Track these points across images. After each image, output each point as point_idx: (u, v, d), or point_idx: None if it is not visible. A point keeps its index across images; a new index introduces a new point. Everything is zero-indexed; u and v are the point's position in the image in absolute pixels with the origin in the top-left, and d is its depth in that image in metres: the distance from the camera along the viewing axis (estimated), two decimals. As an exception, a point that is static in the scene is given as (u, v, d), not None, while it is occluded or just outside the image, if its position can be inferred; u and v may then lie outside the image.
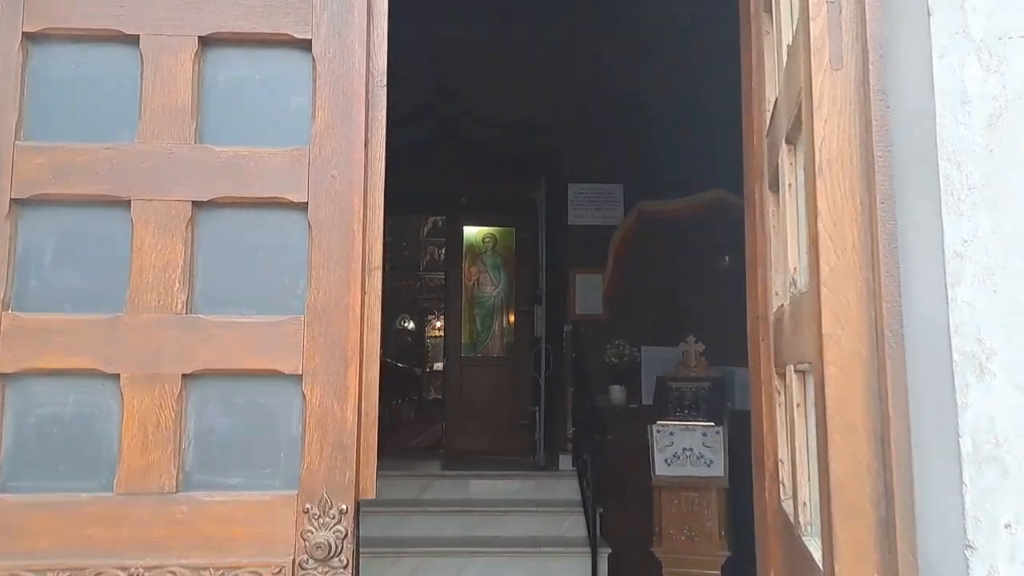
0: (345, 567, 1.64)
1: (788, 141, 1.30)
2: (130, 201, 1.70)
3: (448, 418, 7.46)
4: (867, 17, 1.04)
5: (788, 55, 1.29)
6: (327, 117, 1.78)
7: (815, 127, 1.05)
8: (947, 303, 0.99)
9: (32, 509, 1.58)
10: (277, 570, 1.59)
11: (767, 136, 1.65)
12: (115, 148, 1.72)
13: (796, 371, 1.24)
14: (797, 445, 1.32)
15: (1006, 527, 0.97)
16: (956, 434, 0.99)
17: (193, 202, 1.72)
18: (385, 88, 1.93)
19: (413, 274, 19.28)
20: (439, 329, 17.03)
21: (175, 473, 1.63)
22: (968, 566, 0.97)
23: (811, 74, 1.07)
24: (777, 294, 1.60)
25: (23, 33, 1.71)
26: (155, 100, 1.74)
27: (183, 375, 1.66)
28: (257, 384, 1.70)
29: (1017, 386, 0.98)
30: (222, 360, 1.68)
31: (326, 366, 1.70)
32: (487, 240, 7.78)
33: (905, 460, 0.98)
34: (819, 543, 1.15)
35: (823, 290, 1.02)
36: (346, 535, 1.66)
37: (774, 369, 1.59)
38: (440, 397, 9.25)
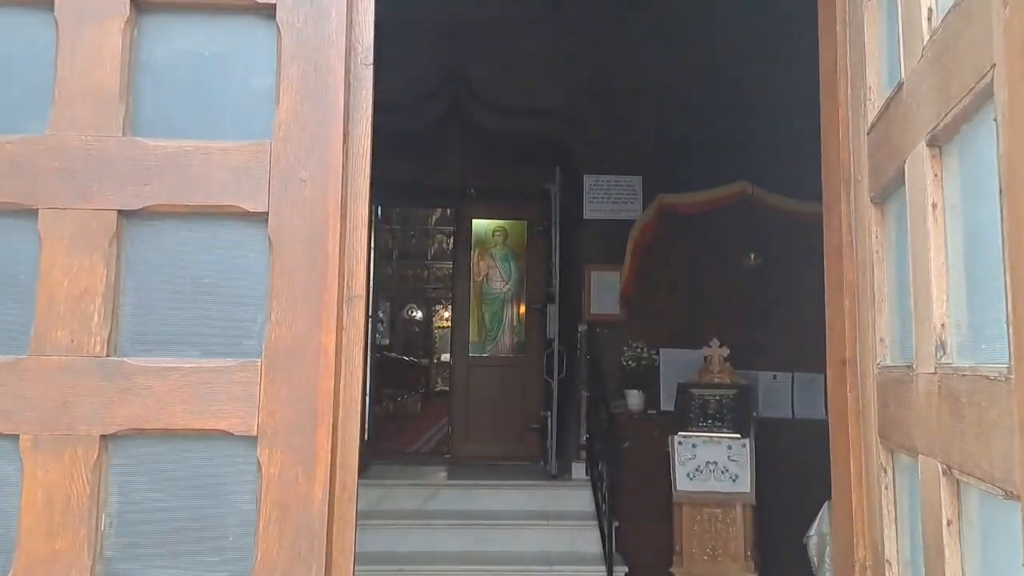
0: None
1: (933, 144, 0.91)
2: (37, 210, 1.32)
3: (455, 422, 7.09)
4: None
5: (941, 26, 0.89)
6: (295, 103, 1.40)
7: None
8: None
9: None
10: None
11: (869, 133, 1.25)
12: (20, 142, 1.33)
13: (956, 478, 0.85)
14: (931, 558, 0.94)
15: None
16: None
17: (119, 211, 1.34)
18: (371, 67, 1.52)
19: (421, 263, 18.94)
20: (447, 319, 16.71)
21: (90, 564, 1.25)
22: None
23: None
24: (882, 340, 1.21)
25: None
26: (73, 81, 1.35)
27: (102, 436, 1.29)
28: (199, 448, 1.32)
29: None
30: (154, 417, 1.30)
31: (289, 425, 1.32)
32: (497, 233, 7.38)
33: None
34: None
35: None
36: (310, 655, 1.29)
37: (878, 440, 1.20)
38: (448, 388, 8.89)
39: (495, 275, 7.38)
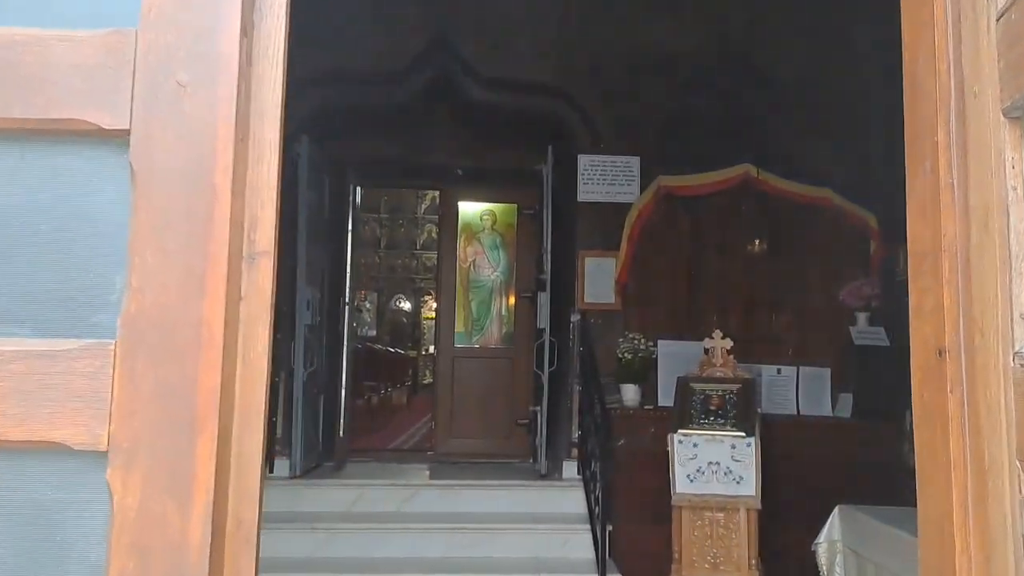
0: None
1: None
2: None
3: (438, 417, 6.68)
4: None
5: None
6: (174, -22, 0.98)
7: None
8: None
9: None
10: None
11: (999, 19, 0.85)
12: None
13: None
14: None
15: None
16: None
17: (-92, 126, 0.93)
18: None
19: (409, 252, 18.53)
20: (435, 310, 16.31)
21: None
22: None
23: None
24: (1023, 316, 0.81)
25: None
26: None
27: None
28: (24, 469, 0.92)
29: None
30: (-46, 423, 0.89)
31: (155, 437, 0.92)
32: (485, 217, 6.97)
33: None
34: None
35: None
36: None
37: (1017, 462, 0.81)
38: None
39: (483, 262, 6.97)
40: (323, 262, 6.04)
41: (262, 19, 1.05)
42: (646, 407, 5.46)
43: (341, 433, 5.98)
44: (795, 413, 5.51)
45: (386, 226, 18.73)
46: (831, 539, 4.28)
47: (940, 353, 1.01)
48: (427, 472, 6.03)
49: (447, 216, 7.02)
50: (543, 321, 5.80)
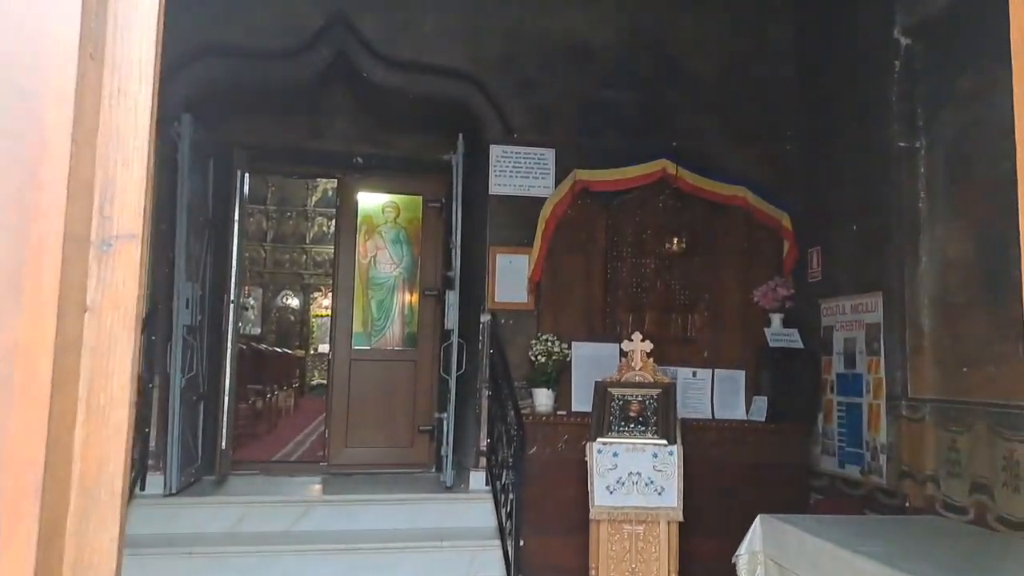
0: None
1: None
2: None
3: (333, 425, 6.18)
4: None
5: None
6: None
7: None
8: None
9: None
10: None
11: None
12: None
13: None
14: None
15: None
16: None
17: None
18: None
19: (299, 247, 17.68)
20: (326, 308, 15.60)
21: None
22: None
23: None
24: None
25: None
26: None
27: None
28: None
29: None
30: None
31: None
32: (388, 209, 6.52)
33: None
34: None
35: None
36: None
37: None
38: (325, 382, 7.95)
39: (384, 257, 6.51)
40: (206, 255, 5.44)
41: None
42: (560, 413, 5.18)
43: (224, 444, 5.41)
44: (710, 417, 5.37)
45: (273, 218, 17.81)
46: (752, 550, 4.12)
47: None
48: (320, 486, 5.55)
49: (346, 207, 6.52)
50: (451, 321, 5.42)
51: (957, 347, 4.15)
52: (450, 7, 5.52)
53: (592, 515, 4.34)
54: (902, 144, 4.47)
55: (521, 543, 4.60)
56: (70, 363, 0.59)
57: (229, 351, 5.46)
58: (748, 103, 5.75)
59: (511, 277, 5.36)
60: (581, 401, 5.13)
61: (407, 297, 6.48)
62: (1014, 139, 0.88)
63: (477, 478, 5.30)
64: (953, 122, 4.23)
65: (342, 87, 5.99)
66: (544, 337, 5.24)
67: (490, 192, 5.46)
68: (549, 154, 5.50)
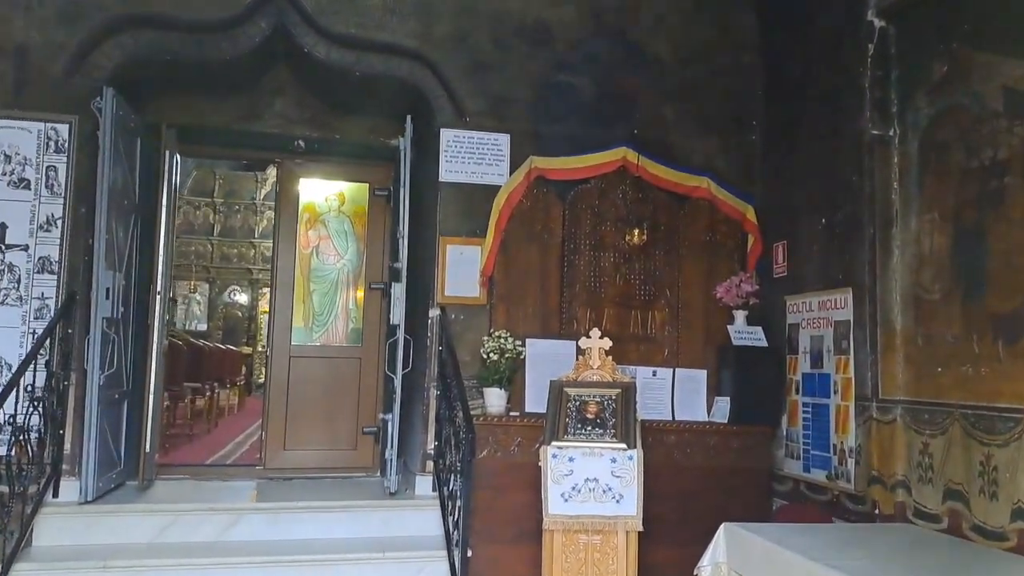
0: None
1: None
2: None
3: (270, 426, 5.77)
4: None
5: None
6: None
7: None
8: None
9: None
10: None
11: None
12: None
13: None
14: None
15: None
16: None
17: None
18: None
19: (246, 241, 17.12)
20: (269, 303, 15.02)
21: None
22: None
23: None
24: None
25: None
26: None
27: None
28: None
29: None
30: None
31: None
32: (332, 197, 6.13)
33: None
34: None
35: None
36: None
37: None
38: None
39: (328, 248, 6.12)
40: (132, 243, 5.01)
41: None
42: (512, 414, 4.87)
43: (148, 446, 4.97)
44: (671, 418, 5.11)
45: (221, 212, 17.19)
46: (716, 561, 3.86)
47: None
48: (254, 492, 5.14)
49: (286, 195, 6.12)
50: (397, 316, 5.07)
51: (931, 345, 3.94)
52: (401, -19, 5.18)
53: (546, 524, 4.04)
54: (875, 132, 4.26)
55: (469, 553, 4.28)
56: None
57: (155, 346, 5.02)
58: (712, 91, 5.52)
59: (462, 270, 5.04)
60: (535, 402, 4.82)
61: (352, 291, 6.10)
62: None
63: (423, 483, 4.97)
64: (928, 109, 4.02)
65: (283, 65, 5.61)
66: (497, 333, 4.92)
67: (440, 179, 5.12)
68: (504, 139, 5.19)
